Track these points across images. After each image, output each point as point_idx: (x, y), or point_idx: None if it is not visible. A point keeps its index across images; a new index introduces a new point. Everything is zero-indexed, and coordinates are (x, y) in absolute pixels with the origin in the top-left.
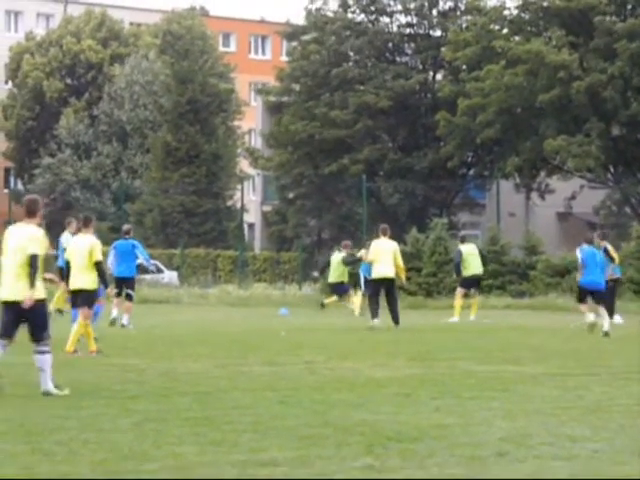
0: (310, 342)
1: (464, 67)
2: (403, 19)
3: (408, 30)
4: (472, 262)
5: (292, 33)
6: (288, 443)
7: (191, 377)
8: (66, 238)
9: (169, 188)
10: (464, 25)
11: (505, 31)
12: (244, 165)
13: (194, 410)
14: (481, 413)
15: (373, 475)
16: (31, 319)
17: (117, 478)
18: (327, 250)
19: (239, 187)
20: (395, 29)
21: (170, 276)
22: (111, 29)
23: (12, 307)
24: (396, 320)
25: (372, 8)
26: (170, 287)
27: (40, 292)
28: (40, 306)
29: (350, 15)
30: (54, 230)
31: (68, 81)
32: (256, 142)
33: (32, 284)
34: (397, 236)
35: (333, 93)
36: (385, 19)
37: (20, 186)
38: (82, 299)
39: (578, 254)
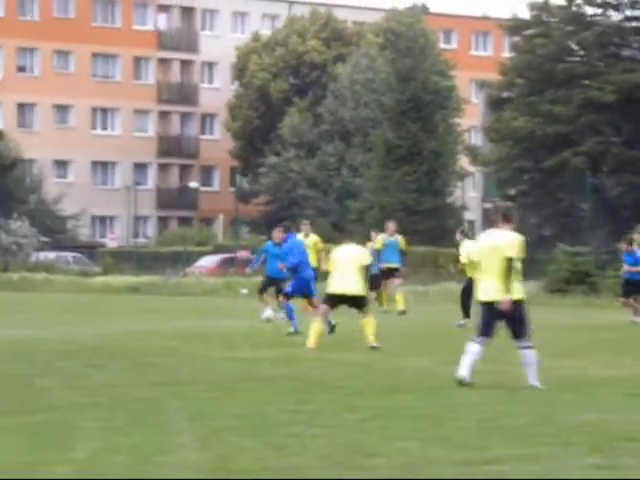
0: (534, 339)
1: None
2: (629, 12)
3: (634, 23)
4: None
5: (516, 27)
6: (513, 441)
7: (415, 374)
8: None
9: (390, 186)
10: None
11: None
12: (464, 162)
13: (419, 407)
14: None
15: (602, 474)
16: (511, 318)
17: (346, 478)
18: (548, 247)
19: (459, 184)
20: (622, 22)
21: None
22: (335, 29)
23: (490, 307)
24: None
25: (598, 1)
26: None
27: (518, 293)
28: (518, 306)
29: (574, 8)
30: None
31: (292, 81)
32: (476, 139)
33: (509, 286)
34: (619, 232)
35: (557, 89)
36: (611, 12)
37: (245, 185)
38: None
39: None
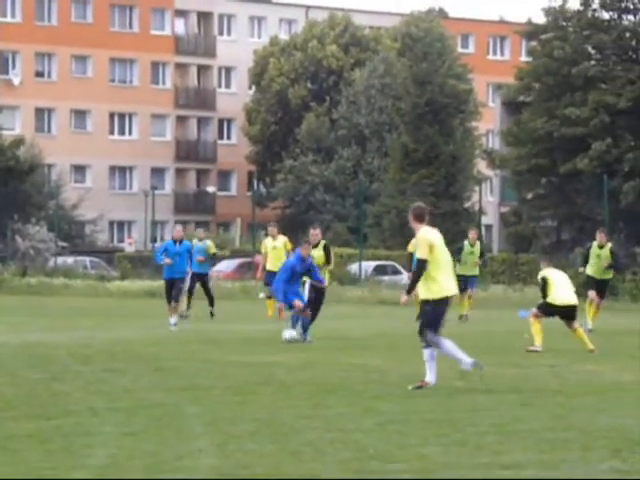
0: (552, 344)
1: None
2: None
3: None
4: None
5: (532, 32)
6: (531, 446)
7: None
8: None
9: (407, 190)
10: None
11: None
12: (482, 166)
13: (436, 412)
14: None
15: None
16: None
17: (364, 478)
18: (566, 251)
19: (477, 189)
20: (637, 26)
21: (408, 277)
22: (353, 35)
23: None
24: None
25: (614, 5)
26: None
27: (426, 293)
28: (422, 305)
29: (590, 13)
30: (293, 232)
31: (310, 86)
32: (494, 143)
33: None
34: (637, 236)
35: (574, 92)
36: (627, 16)
37: (263, 189)
38: None
39: None
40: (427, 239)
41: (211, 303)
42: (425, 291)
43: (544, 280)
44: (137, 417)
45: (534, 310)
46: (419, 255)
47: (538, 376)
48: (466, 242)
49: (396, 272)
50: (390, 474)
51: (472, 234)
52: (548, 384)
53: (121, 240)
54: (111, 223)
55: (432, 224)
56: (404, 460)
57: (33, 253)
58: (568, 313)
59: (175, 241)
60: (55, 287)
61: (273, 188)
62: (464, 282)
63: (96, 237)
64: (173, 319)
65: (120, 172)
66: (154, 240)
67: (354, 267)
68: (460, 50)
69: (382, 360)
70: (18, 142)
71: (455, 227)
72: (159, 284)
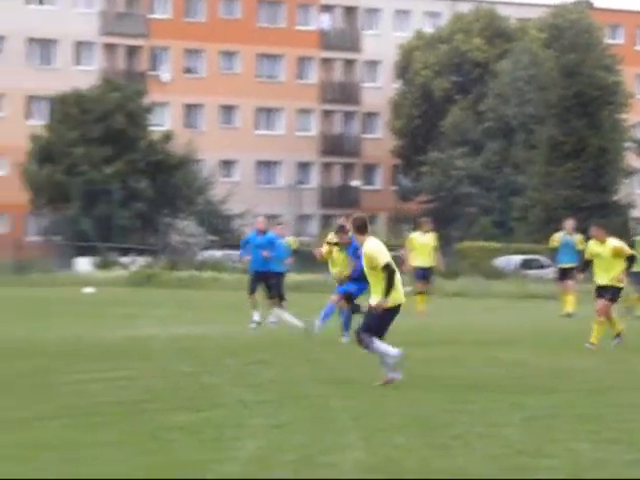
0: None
1: None
2: None
3: None
4: None
5: None
6: None
7: (578, 374)
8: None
9: (554, 183)
10: None
11: None
12: (631, 159)
13: (584, 406)
14: None
15: None
16: None
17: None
18: None
19: (626, 181)
20: None
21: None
22: (498, 27)
23: None
24: None
25: None
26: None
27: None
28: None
29: None
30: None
31: (455, 79)
32: None
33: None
34: None
35: None
36: None
37: (407, 183)
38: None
39: None
40: (381, 246)
41: (277, 306)
42: (378, 298)
43: None
44: (285, 409)
45: None
46: (384, 261)
47: None
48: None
49: (541, 266)
50: (541, 470)
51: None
52: None
53: None
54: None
55: (579, 218)
56: (555, 455)
57: (183, 247)
58: None
59: (258, 233)
60: (204, 281)
61: (418, 182)
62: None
63: (244, 231)
64: (272, 317)
65: (266, 167)
66: (299, 234)
67: (501, 261)
68: (608, 41)
69: (528, 354)
70: (167, 137)
71: (602, 221)
72: (304, 278)
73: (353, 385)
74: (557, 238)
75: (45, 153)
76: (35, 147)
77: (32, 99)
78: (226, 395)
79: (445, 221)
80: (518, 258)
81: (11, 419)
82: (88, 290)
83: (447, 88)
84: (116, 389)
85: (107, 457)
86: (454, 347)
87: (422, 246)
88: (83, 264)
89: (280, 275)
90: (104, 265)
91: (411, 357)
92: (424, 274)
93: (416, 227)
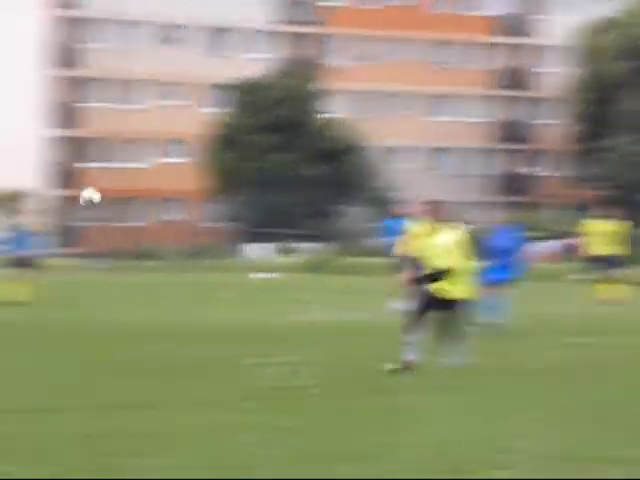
0: None
1: None
2: None
3: None
4: None
5: None
6: None
7: None
8: None
9: None
10: None
11: None
12: None
13: None
14: None
15: None
16: None
17: None
18: None
19: None
20: None
21: None
22: None
23: None
24: None
25: None
26: None
27: None
28: None
29: None
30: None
31: (630, 63)
32: None
33: None
34: None
35: None
36: None
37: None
38: None
39: None
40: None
41: None
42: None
43: None
44: (459, 397)
45: None
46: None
47: None
48: None
49: None
50: None
51: None
52: None
53: None
54: None
55: None
56: None
57: (354, 234)
58: None
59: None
60: (374, 267)
61: (593, 169)
62: None
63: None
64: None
65: (436, 154)
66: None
67: None
68: None
69: None
70: (339, 124)
71: None
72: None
73: (526, 374)
74: None
75: (226, 141)
76: (219, 134)
77: (204, 87)
78: (397, 381)
79: (626, 209)
80: None
81: (202, 401)
82: (261, 275)
83: (621, 73)
84: (287, 374)
85: (295, 441)
86: (624, 335)
87: (601, 233)
88: (254, 250)
89: None
90: (285, 251)
91: (579, 344)
92: (606, 261)
93: (596, 214)
